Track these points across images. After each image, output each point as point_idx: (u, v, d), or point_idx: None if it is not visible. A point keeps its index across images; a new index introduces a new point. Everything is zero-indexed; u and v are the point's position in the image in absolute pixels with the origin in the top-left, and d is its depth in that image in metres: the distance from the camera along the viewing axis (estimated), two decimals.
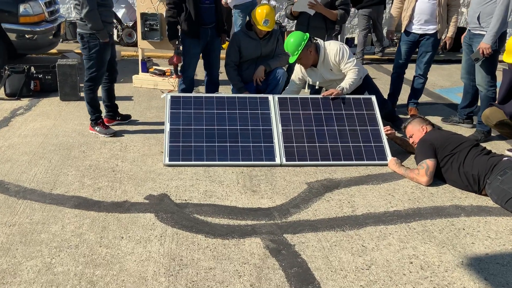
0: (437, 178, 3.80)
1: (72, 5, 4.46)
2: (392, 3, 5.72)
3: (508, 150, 4.52)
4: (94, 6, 4.21)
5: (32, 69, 5.98)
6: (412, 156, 4.27)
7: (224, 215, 3.22)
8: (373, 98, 4.55)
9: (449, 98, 6.54)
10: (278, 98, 4.48)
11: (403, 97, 5.76)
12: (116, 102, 4.95)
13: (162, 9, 5.99)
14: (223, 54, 5.26)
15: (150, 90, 6.42)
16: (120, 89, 6.06)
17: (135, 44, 8.08)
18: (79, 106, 5.51)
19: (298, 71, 4.84)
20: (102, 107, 4.80)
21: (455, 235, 3.07)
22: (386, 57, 8.96)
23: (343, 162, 4.08)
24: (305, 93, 4.99)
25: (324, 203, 3.44)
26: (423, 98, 6.15)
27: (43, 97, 5.88)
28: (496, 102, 4.36)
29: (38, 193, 3.44)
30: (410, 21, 5.22)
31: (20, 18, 6.59)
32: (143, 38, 6.29)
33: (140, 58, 6.69)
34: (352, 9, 8.29)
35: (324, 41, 4.76)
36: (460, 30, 6.24)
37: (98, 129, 4.60)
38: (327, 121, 4.33)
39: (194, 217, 3.19)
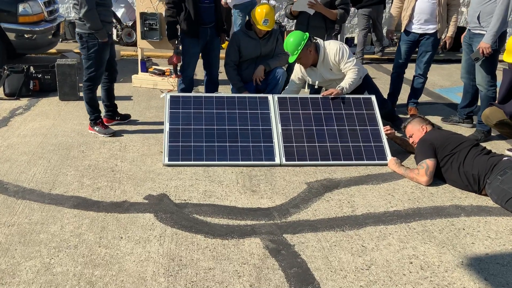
0: (437, 178, 3.79)
1: (71, 4, 4.44)
2: (392, 2, 5.71)
3: (508, 150, 4.51)
4: (93, 6, 4.20)
5: (31, 68, 5.97)
6: (412, 156, 4.26)
7: (224, 215, 3.21)
8: (373, 97, 4.55)
9: (449, 98, 6.53)
10: (278, 98, 4.47)
11: (403, 96, 5.75)
12: (116, 102, 4.94)
13: (161, 9, 5.98)
14: (222, 54, 5.26)
15: (149, 90, 6.41)
16: (119, 88, 6.05)
17: (134, 44, 8.07)
18: (78, 106, 5.50)
19: (298, 71, 4.83)
20: (101, 107, 4.79)
21: (455, 235, 3.06)
22: (386, 57, 8.96)
23: (342, 162, 4.07)
24: (305, 92, 4.98)
25: (323, 203, 3.43)
26: (423, 98, 6.15)
27: (42, 97, 5.87)
28: (496, 101, 4.35)
29: (37, 193, 3.43)
30: (410, 21, 5.22)
31: (19, 17, 6.59)
32: (143, 37, 6.28)
33: (139, 57, 6.68)
34: (352, 9, 8.29)
35: (323, 40, 4.75)
36: (460, 30, 6.23)
37: (97, 129, 4.60)
38: (326, 121, 4.32)
39: (193, 217, 3.18)
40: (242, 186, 3.65)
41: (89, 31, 4.28)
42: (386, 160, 4.11)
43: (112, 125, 4.83)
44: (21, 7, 6.58)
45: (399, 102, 5.70)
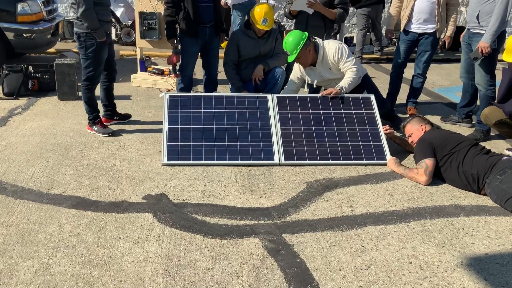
0: (436, 177, 3.79)
1: (69, 4, 4.43)
2: (391, 2, 5.70)
3: (508, 149, 4.51)
4: (91, 5, 4.19)
5: (30, 68, 5.96)
6: (411, 155, 4.26)
7: (223, 215, 3.21)
8: (372, 97, 4.54)
9: (448, 97, 6.53)
10: (277, 97, 4.47)
11: (402, 96, 5.75)
12: (115, 101, 4.93)
13: (160, 8, 5.97)
14: (221, 53, 5.25)
15: (148, 90, 6.40)
16: (118, 88, 6.03)
17: (133, 43, 8.06)
18: (77, 106, 5.49)
19: (297, 70, 4.82)
20: (100, 107, 4.78)
21: (455, 235, 3.06)
22: (385, 56, 8.96)
23: (342, 161, 4.07)
24: (304, 92, 4.98)
25: (323, 203, 3.42)
26: (422, 98, 6.14)
27: (41, 97, 5.86)
28: (496, 101, 4.35)
29: (36, 193, 3.42)
30: (409, 20, 5.21)
31: (18, 17, 6.58)
32: (142, 37, 6.27)
33: (138, 57, 6.67)
34: (351, 8, 8.29)
35: (323, 40, 4.74)
36: (459, 29, 6.23)
37: (96, 128, 4.59)
38: (326, 121, 4.32)
39: (192, 217, 3.17)
40: (241, 186, 3.65)
41: (87, 31, 4.27)
42: (385, 159, 4.10)
43: (111, 124, 4.82)
44: (19, 7, 6.57)
45: (398, 101, 5.70)
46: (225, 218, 3.18)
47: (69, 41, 9.25)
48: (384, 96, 5.32)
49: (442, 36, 5.42)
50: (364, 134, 4.25)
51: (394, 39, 8.35)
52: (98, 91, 4.64)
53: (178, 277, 2.56)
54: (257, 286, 2.51)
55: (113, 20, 8.95)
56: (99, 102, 4.67)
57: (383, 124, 4.39)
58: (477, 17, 4.62)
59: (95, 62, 4.40)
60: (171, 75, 6.25)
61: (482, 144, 4.19)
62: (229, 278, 2.56)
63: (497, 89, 4.45)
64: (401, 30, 5.35)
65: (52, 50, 8.06)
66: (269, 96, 4.47)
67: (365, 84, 4.81)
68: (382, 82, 6.79)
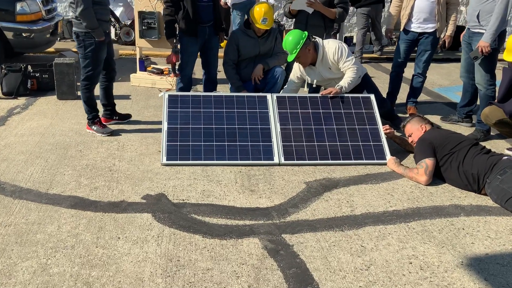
0: (437, 177, 3.78)
1: (68, 3, 4.42)
2: (391, 1, 5.69)
3: (508, 149, 4.50)
4: (89, 5, 4.17)
5: (29, 67, 5.95)
6: (411, 155, 4.25)
7: (222, 215, 3.20)
8: (372, 97, 4.53)
9: (448, 97, 6.52)
10: (277, 97, 4.46)
11: (402, 96, 5.74)
12: (114, 101, 4.91)
13: (159, 8, 5.95)
14: (221, 53, 5.24)
15: (148, 89, 6.39)
16: (118, 88, 6.02)
17: (133, 43, 8.05)
18: (76, 105, 5.48)
19: (297, 70, 4.81)
20: (100, 106, 4.76)
21: (455, 235, 3.05)
22: (385, 56, 8.94)
23: (342, 161, 4.06)
24: (304, 92, 4.97)
25: (322, 203, 3.41)
26: (422, 97, 6.13)
27: (40, 96, 5.85)
28: (496, 100, 4.34)
29: (34, 193, 3.41)
30: (409, 20, 5.21)
31: (17, 16, 6.57)
32: (141, 36, 6.26)
33: (138, 56, 6.66)
34: (351, 8, 8.27)
35: (322, 39, 4.73)
36: (459, 29, 6.22)
37: (95, 128, 4.58)
38: (325, 120, 4.31)
39: (191, 217, 3.16)
40: (240, 186, 3.64)
41: (86, 30, 4.26)
42: (385, 159, 4.09)
43: (110, 124, 4.81)
44: (18, 6, 6.55)
45: (398, 101, 5.69)
46: (225, 218, 3.17)
47: (68, 40, 9.24)
48: (384, 95, 5.31)
49: (442, 36, 5.41)
50: (364, 134, 4.24)
51: (394, 39, 8.35)
52: (97, 90, 4.62)
53: (178, 277, 2.55)
54: (256, 286, 2.50)
55: (112, 19, 8.95)
56: (98, 101, 4.66)
57: (383, 124, 4.38)
58: (477, 17, 4.61)
59: (94, 62, 4.39)
60: (171, 75, 6.24)
61: (482, 143, 4.18)
62: (229, 279, 2.55)
63: (497, 88, 4.44)
64: (401, 30, 5.34)
65: (51, 49, 8.05)
66: (268, 95, 4.46)
67: (365, 83, 4.80)
68: (382, 82, 6.78)
